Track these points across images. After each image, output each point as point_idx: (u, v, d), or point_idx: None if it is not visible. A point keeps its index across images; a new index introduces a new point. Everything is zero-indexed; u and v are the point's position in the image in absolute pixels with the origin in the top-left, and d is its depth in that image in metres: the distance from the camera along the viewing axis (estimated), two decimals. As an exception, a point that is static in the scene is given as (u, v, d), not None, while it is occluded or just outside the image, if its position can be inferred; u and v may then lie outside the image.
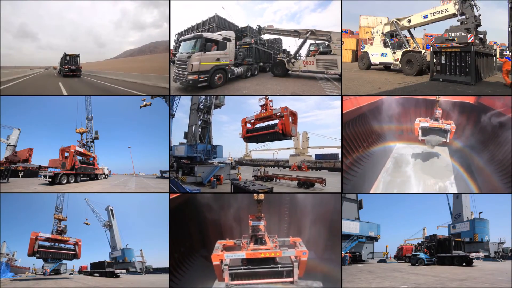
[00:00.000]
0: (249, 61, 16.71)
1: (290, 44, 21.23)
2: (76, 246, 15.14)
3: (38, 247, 13.53)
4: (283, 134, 11.64)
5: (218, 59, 12.98)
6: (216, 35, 13.72)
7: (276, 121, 11.89)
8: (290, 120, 11.72)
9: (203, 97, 15.00)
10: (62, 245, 14.77)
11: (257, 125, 12.85)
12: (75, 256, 15.15)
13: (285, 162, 30.84)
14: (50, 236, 14.30)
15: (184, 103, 19.64)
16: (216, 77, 12.69)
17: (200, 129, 14.95)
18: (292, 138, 33.38)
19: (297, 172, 20.65)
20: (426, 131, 11.89)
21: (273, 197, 10.18)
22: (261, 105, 12.45)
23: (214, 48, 13.11)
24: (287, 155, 32.30)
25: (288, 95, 12.39)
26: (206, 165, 13.80)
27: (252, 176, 15.89)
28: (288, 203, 10.16)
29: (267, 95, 12.38)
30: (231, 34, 14.35)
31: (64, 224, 15.97)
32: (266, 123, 12.53)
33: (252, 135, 12.89)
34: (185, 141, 15.04)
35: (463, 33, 11.32)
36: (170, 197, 8.86)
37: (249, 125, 13.06)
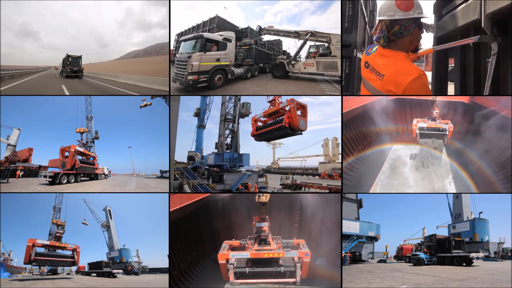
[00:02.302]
0: (249, 62, 16.76)
1: (290, 45, 21.34)
2: (75, 252, 15.03)
3: (35, 255, 13.34)
4: (290, 128, 11.42)
5: (218, 60, 12.98)
6: (217, 36, 13.74)
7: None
8: (299, 113, 11.53)
9: (231, 107, 15.40)
10: (60, 251, 14.66)
11: (268, 123, 12.79)
12: (74, 264, 15.06)
13: (314, 170, 29.00)
14: (47, 242, 14.16)
15: (214, 115, 20.25)
16: (216, 78, 12.69)
17: (229, 138, 15.42)
18: (322, 145, 32.37)
19: (328, 180, 19.88)
20: (424, 133, 11.87)
21: (283, 201, 10.16)
22: (269, 101, 12.44)
23: (214, 48, 13.11)
24: (317, 162, 30.55)
25: (289, 95, 12.36)
26: (234, 173, 14.08)
27: (280, 185, 15.82)
28: (299, 209, 10.13)
29: (275, 95, 12.36)
30: (231, 34, 14.38)
31: (62, 224, 15.91)
32: (275, 120, 12.44)
33: (260, 132, 12.85)
34: (216, 150, 15.70)
35: None
36: (195, 199, 8.81)
37: (259, 124, 13.03)
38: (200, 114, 17.40)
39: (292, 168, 34.14)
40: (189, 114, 17.93)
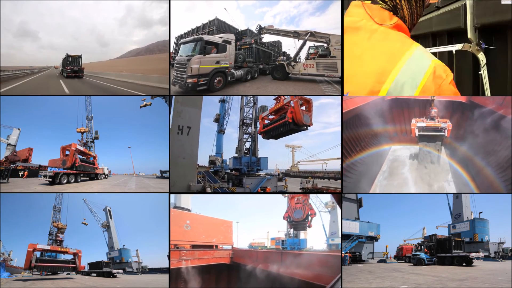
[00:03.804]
0: (249, 62, 16.74)
1: (289, 47, 21.40)
2: (76, 257, 14.96)
3: (35, 261, 13.31)
4: (294, 123, 11.40)
5: (218, 62, 12.91)
6: (216, 38, 13.71)
7: None
8: (304, 108, 11.50)
9: (250, 112, 15.66)
10: (61, 256, 14.60)
11: (274, 120, 12.85)
12: (75, 269, 15.00)
13: (336, 174, 28.82)
14: (48, 247, 14.10)
15: (232, 119, 20.86)
16: (215, 81, 12.61)
17: (248, 143, 15.84)
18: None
19: (350, 184, 19.86)
20: (423, 134, 11.88)
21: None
22: (274, 99, 12.48)
23: (214, 51, 13.05)
24: (339, 166, 30.70)
25: (288, 95, 12.36)
26: (254, 177, 14.33)
27: (300, 189, 15.76)
28: None
29: (281, 95, 12.40)
30: (231, 36, 14.35)
31: (63, 228, 15.89)
32: (280, 116, 12.46)
33: (267, 129, 12.92)
34: (236, 155, 16.17)
35: None
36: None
37: (267, 121, 13.12)
38: (219, 119, 17.90)
39: (313, 172, 33.49)
40: (209, 120, 18.67)
